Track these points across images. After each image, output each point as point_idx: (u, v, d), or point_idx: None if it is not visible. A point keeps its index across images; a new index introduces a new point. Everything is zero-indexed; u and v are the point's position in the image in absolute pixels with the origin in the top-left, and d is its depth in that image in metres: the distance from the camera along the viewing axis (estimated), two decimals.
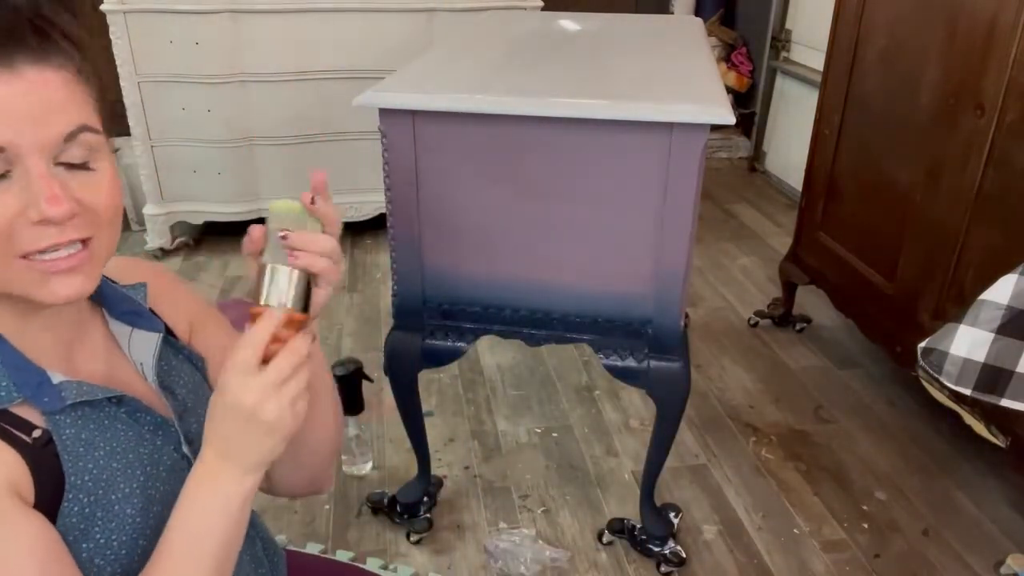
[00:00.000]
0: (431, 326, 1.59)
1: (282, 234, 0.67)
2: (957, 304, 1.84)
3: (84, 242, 0.63)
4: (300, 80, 2.95)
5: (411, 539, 1.80)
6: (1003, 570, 1.73)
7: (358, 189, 3.17)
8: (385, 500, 1.85)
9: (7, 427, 0.63)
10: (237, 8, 2.79)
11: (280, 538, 1.78)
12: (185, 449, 0.76)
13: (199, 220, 3.17)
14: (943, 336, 1.24)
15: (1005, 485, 1.98)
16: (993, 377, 1.21)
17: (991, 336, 1.19)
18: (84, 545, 0.65)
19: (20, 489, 0.62)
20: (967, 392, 1.24)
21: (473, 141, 1.41)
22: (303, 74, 2.94)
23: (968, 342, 1.21)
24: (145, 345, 0.76)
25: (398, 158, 1.43)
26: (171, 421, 0.75)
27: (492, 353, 2.53)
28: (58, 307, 0.66)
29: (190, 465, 0.74)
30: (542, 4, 3.05)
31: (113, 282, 0.77)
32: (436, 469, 1.99)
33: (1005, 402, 1.23)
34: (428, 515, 1.83)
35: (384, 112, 1.39)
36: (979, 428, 1.76)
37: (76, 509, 0.65)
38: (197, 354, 0.83)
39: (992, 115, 1.70)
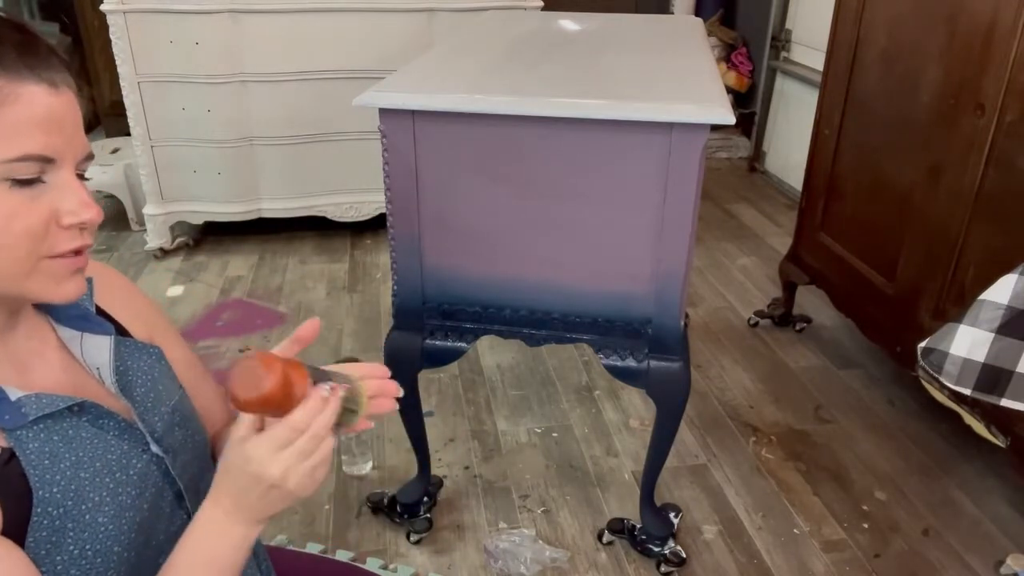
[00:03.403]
0: (431, 326, 1.59)
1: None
2: (957, 304, 1.84)
3: (79, 250, 0.68)
4: (300, 80, 2.95)
5: (411, 539, 1.80)
6: (1003, 570, 1.73)
7: (358, 189, 3.17)
8: (385, 500, 1.85)
9: None
10: (237, 8, 2.79)
11: (280, 538, 1.78)
12: (154, 448, 0.76)
13: (199, 220, 3.18)
14: (943, 336, 1.24)
15: (1005, 485, 1.98)
16: (993, 377, 1.21)
17: (991, 336, 1.19)
18: (57, 557, 0.65)
19: None
20: (967, 392, 1.24)
21: (473, 141, 1.41)
22: (303, 74, 2.94)
23: (968, 342, 1.21)
24: (98, 349, 0.76)
25: (398, 158, 1.43)
26: (135, 423, 0.75)
27: (492, 353, 2.53)
28: (14, 320, 0.70)
29: (161, 464, 0.75)
30: (542, 4, 3.05)
31: None
32: (436, 469, 1.99)
33: (1005, 402, 1.23)
34: (428, 515, 1.83)
35: (384, 112, 1.39)
36: (979, 428, 1.76)
37: (46, 523, 0.64)
38: (152, 345, 0.83)
39: (992, 115, 1.71)
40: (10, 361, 0.70)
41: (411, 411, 1.73)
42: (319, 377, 0.69)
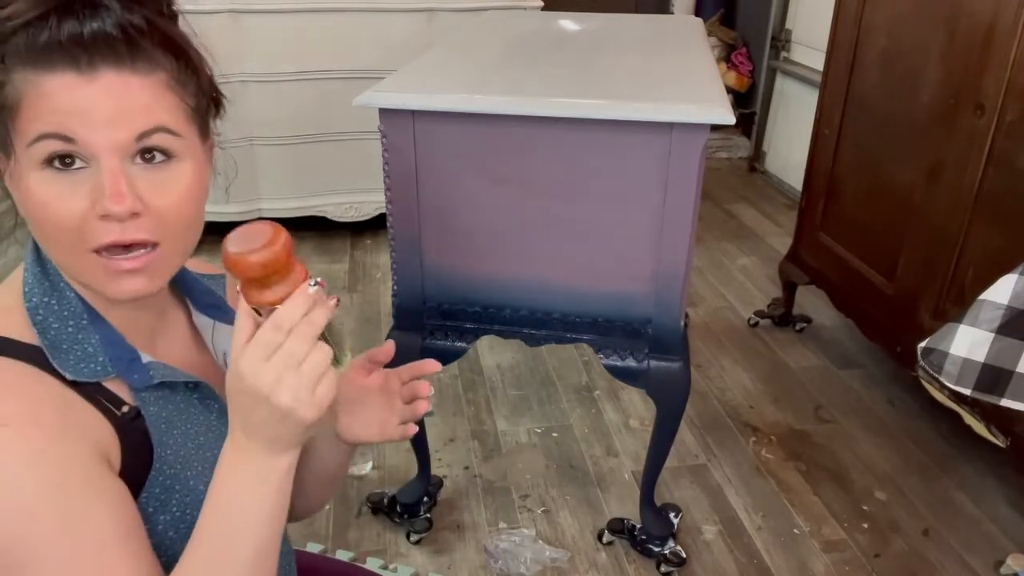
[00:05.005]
0: (431, 326, 1.59)
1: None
2: (957, 304, 1.84)
3: (150, 246, 0.64)
4: (300, 80, 2.95)
5: (411, 539, 1.80)
6: (1003, 570, 1.73)
7: (358, 189, 3.17)
8: (385, 500, 1.85)
9: (101, 399, 0.66)
10: (237, 8, 2.79)
11: (288, 542, 1.78)
12: None
13: None
14: (943, 336, 1.24)
15: (1005, 485, 1.98)
16: (993, 377, 1.21)
17: (991, 336, 1.19)
18: (161, 517, 0.69)
19: (109, 456, 0.65)
20: (967, 392, 1.24)
21: (473, 141, 1.42)
22: (303, 74, 2.94)
23: (968, 342, 1.21)
24: (227, 338, 0.79)
25: (398, 158, 1.43)
26: None
27: (492, 353, 2.53)
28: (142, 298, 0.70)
29: None
30: (542, 4, 3.05)
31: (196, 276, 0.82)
32: (436, 469, 1.99)
33: (1005, 402, 1.23)
34: (428, 515, 1.83)
35: (384, 112, 1.40)
36: (979, 428, 1.76)
37: (160, 480, 0.69)
38: None
39: (992, 115, 1.70)
40: (142, 330, 0.73)
41: None
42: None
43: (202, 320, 0.80)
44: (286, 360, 0.58)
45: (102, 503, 0.62)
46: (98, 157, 0.61)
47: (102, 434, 0.65)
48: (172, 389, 0.72)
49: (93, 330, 0.68)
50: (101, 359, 0.67)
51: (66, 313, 0.67)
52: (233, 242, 0.58)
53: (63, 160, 0.61)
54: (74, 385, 0.65)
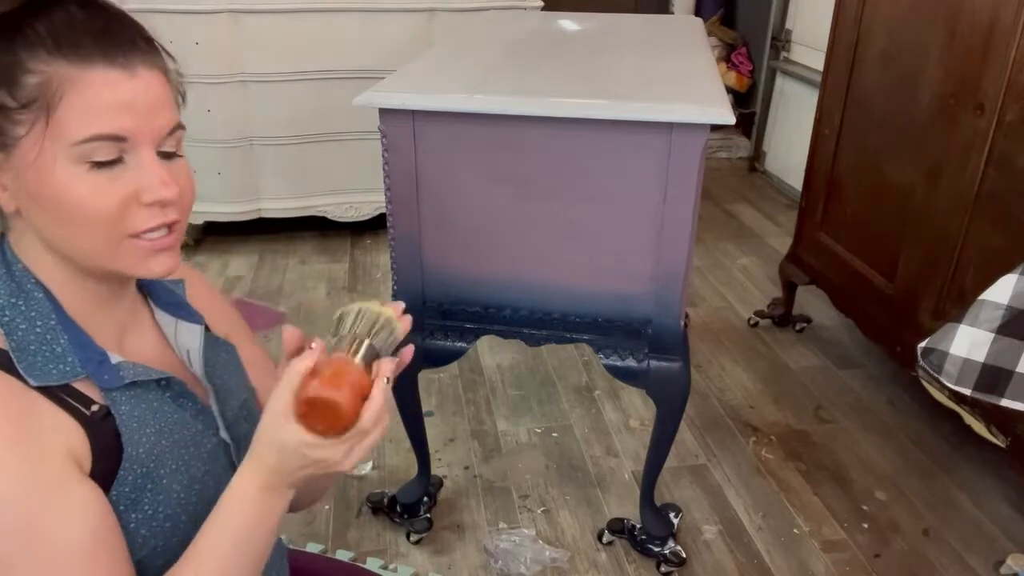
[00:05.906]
0: (431, 326, 1.59)
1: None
2: (957, 304, 1.84)
3: (170, 227, 0.69)
4: (300, 80, 2.95)
5: (411, 539, 1.80)
6: (1003, 570, 1.73)
7: (358, 189, 3.17)
8: (385, 500, 1.85)
9: (69, 400, 0.67)
10: (237, 8, 2.79)
11: (280, 538, 1.78)
12: (223, 434, 0.80)
13: (199, 220, 3.17)
14: (943, 336, 1.24)
15: (1005, 485, 1.98)
16: (993, 377, 1.21)
17: (991, 336, 1.19)
18: (133, 515, 0.69)
19: (79, 457, 0.66)
20: (967, 392, 1.24)
21: (473, 141, 1.42)
22: (303, 74, 2.94)
23: (968, 342, 1.21)
24: (190, 335, 0.81)
25: (398, 158, 1.43)
26: (210, 408, 0.80)
27: (492, 353, 2.53)
28: (121, 292, 0.74)
29: (227, 450, 0.80)
30: (542, 4, 3.05)
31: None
32: (436, 469, 1.99)
33: (1005, 402, 1.23)
34: (428, 515, 1.83)
35: (384, 112, 1.40)
36: (979, 428, 1.76)
37: (130, 479, 0.69)
38: (230, 342, 0.88)
39: (992, 115, 1.71)
40: (113, 329, 0.75)
41: (411, 411, 1.73)
42: (368, 355, 0.70)
43: (164, 318, 0.81)
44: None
45: (72, 507, 0.63)
46: (138, 148, 0.65)
47: (70, 435, 0.65)
48: (143, 387, 0.73)
49: (62, 330, 0.68)
50: (70, 359, 0.67)
51: (33, 314, 0.68)
52: (320, 423, 0.65)
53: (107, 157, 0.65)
54: (41, 387, 0.65)
